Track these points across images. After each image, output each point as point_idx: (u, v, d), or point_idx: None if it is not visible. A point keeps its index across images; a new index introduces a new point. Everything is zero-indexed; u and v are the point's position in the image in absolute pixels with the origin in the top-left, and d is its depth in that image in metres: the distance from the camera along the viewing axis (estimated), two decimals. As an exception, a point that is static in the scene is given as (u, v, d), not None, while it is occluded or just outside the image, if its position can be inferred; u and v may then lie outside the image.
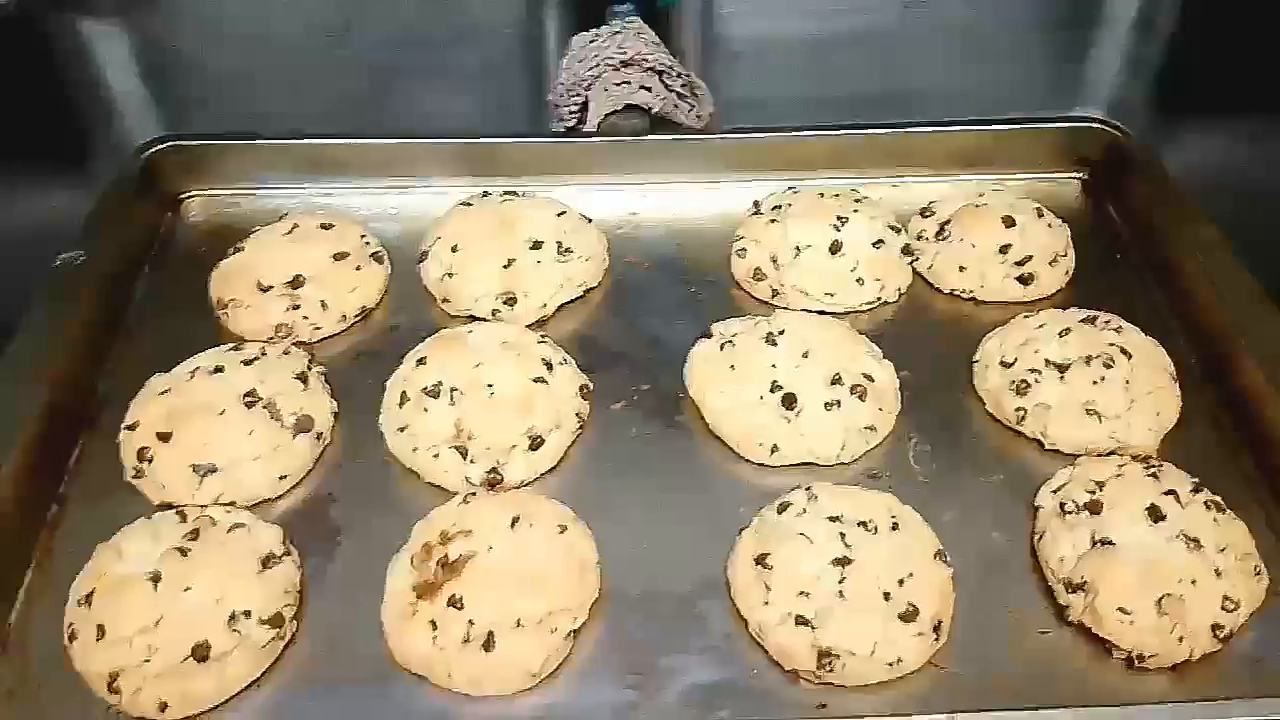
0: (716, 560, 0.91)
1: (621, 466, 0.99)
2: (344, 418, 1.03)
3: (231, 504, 0.94)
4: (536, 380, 1.00)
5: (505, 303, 1.11)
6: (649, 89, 1.46)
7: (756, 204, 1.21)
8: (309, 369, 1.03)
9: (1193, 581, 0.83)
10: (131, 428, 0.97)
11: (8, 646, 0.86)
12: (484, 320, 1.11)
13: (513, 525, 0.89)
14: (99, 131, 1.58)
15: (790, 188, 1.23)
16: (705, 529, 0.93)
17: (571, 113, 1.49)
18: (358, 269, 1.13)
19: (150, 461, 0.94)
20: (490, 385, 0.99)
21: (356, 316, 1.12)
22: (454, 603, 0.84)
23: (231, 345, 1.05)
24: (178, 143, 1.26)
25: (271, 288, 1.10)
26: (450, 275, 1.12)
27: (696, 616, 0.88)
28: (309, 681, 0.84)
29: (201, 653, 0.81)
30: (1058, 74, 1.67)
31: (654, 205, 1.27)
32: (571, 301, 1.15)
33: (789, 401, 0.97)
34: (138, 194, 1.21)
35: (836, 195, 1.19)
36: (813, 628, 0.82)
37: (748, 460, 0.98)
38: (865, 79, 1.68)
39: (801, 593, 0.84)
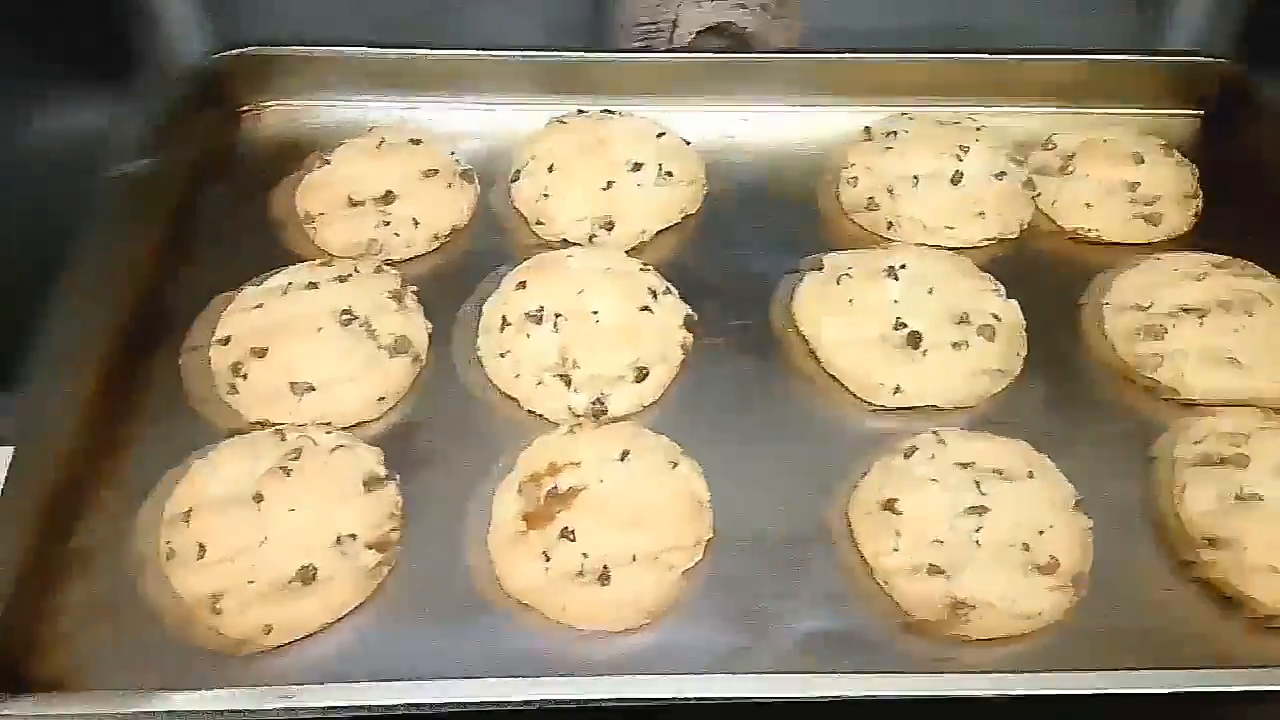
0: (828, 503, 0.87)
1: (724, 402, 0.95)
2: (434, 340, 0.99)
3: (327, 424, 0.90)
4: (642, 309, 0.95)
5: (602, 227, 1.05)
6: (744, 6, 1.38)
7: (868, 130, 1.14)
8: (403, 288, 0.99)
9: (1350, 541, 0.78)
10: (224, 342, 0.93)
11: (87, 564, 0.83)
12: (577, 244, 1.06)
13: (622, 459, 0.85)
14: (144, 43, 1.53)
15: (903, 114, 1.16)
16: (814, 471, 0.89)
17: (658, 29, 1.42)
18: (449, 187, 1.08)
19: (244, 377, 0.91)
20: (595, 312, 0.94)
21: (446, 236, 1.07)
22: (566, 534, 0.80)
23: (322, 261, 1.00)
24: (245, 50, 1.20)
25: (362, 203, 1.05)
26: (546, 196, 1.06)
27: (810, 561, 0.84)
28: (410, 607, 0.81)
29: (307, 575, 0.78)
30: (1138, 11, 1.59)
31: (751, 130, 1.20)
32: (668, 228, 1.09)
33: (914, 340, 0.92)
34: (203, 104, 1.16)
35: (956, 123, 1.12)
36: (947, 577, 0.78)
37: (861, 400, 0.93)
38: (938, 11, 1.60)
39: (935, 541, 0.79)
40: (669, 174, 1.08)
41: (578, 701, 0.69)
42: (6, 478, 0.80)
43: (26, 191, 1.32)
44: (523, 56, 1.20)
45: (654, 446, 0.87)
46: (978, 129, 1.12)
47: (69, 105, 1.43)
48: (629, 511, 0.81)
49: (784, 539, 0.85)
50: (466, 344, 0.98)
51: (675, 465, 0.85)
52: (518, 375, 0.93)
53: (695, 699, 0.70)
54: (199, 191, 1.11)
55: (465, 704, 0.69)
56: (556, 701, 0.69)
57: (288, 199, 1.09)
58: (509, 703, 0.69)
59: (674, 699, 0.70)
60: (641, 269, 0.99)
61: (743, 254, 1.07)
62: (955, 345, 0.92)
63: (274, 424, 0.89)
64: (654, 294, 0.97)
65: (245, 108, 1.21)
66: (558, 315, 0.94)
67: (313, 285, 0.96)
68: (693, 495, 0.84)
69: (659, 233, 1.08)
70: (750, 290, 1.03)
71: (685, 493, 0.84)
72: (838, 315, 0.95)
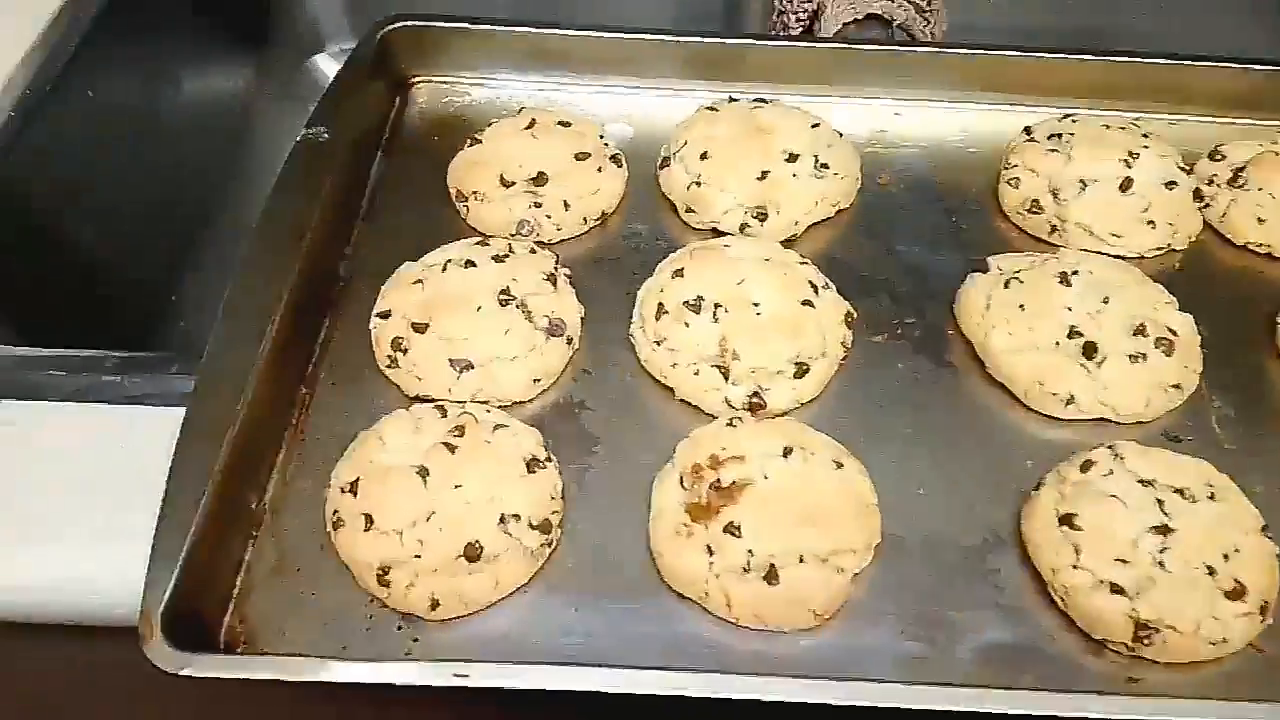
0: (999, 512, 0.85)
1: (887, 403, 0.92)
2: (586, 324, 0.98)
3: (485, 403, 0.90)
4: (804, 304, 0.93)
5: (755, 217, 1.03)
6: (890, -1, 1.35)
7: (1029, 130, 1.11)
8: (556, 270, 0.98)
9: None
10: (384, 316, 0.93)
11: (266, 523, 0.84)
12: (728, 234, 1.04)
13: (785, 455, 0.83)
14: (284, 13, 1.56)
15: (1067, 115, 1.12)
16: (985, 479, 0.87)
17: (799, 20, 1.39)
18: (599, 170, 1.07)
19: (405, 352, 0.91)
20: (756, 304, 0.92)
21: (595, 220, 1.06)
22: (731, 529, 0.79)
23: (478, 240, 1.00)
24: (410, 23, 1.20)
25: (514, 183, 1.05)
26: (699, 184, 1.05)
27: (982, 571, 0.81)
28: (572, 591, 0.81)
29: (473, 552, 0.78)
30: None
31: (905, 124, 1.17)
32: (820, 221, 1.07)
33: (1089, 350, 0.88)
34: (371, 75, 1.16)
35: (1122, 128, 1.08)
36: (1129, 597, 0.75)
37: (1032, 409, 0.90)
38: (1079, 14, 1.56)
39: (1118, 559, 0.76)
40: (824, 166, 1.06)
41: (777, 701, 0.68)
42: (181, 436, 0.82)
43: (174, 148, 1.36)
44: (674, 41, 1.18)
45: (818, 445, 0.85)
46: (1145, 135, 1.08)
47: (213, 70, 1.46)
48: (796, 510, 0.80)
49: (954, 547, 0.83)
50: (617, 329, 0.97)
51: (840, 466, 0.83)
52: (674, 364, 0.91)
53: (895, 707, 0.68)
54: (359, 164, 1.11)
55: (651, 694, 0.68)
56: (750, 700, 0.68)
57: (440, 176, 1.10)
58: (724, 698, 0.68)
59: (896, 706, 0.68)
60: (801, 262, 0.98)
61: (898, 250, 1.05)
62: (1132, 358, 0.88)
63: (434, 400, 0.89)
64: (815, 288, 0.95)
65: (400, 82, 1.21)
66: (717, 305, 0.92)
67: (471, 264, 0.96)
68: (860, 497, 0.82)
69: (811, 226, 1.06)
70: (908, 288, 1.01)
71: (852, 494, 0.82)
72: (1007, 320, 0.92)
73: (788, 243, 1.04)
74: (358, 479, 0.82)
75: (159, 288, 1.31)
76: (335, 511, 0.82)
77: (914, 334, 0.98)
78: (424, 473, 0.81)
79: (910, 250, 1.05)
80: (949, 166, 1.13)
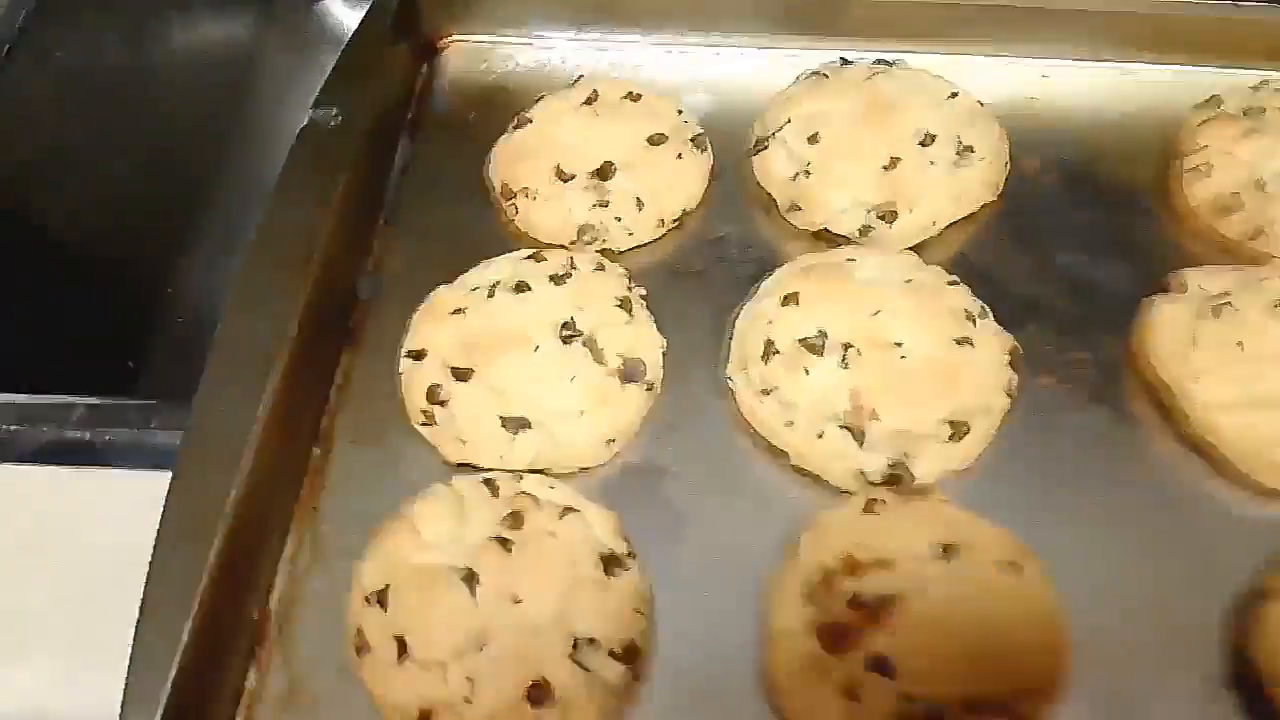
0: (1214, 624, 0.66)
1: (1059, 472, 0.72)
2: (667, 360, 0.78)
3: (543, 472, 0.71)
4: (959, 341, 0.72)
5: (881, 217, 0.82)
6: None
7: (1216, 100, 0.87)
8: (630, 292, 0.78)
9: None
10: (417, 356, 0.74)
11: (272, 637, 0.66)
12: (845, 239, 0.83)
13: (945, 555, 0.64)
14: None
15: (1263, 82, 0.88)
16: (1193, 575, 0.68)
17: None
18: (678, 157, 0.85)
19: (443, 405, 0.71)
20: (899, 344, 0.71)
21: (674, 221, 0.85)
22: (880, 666, 0.60)
23: (530, 252, 0.80)
24: (437, -29, 0.97)
25: (574, 177, 0.83)
26: (807, 174, 0.83)
27: (1203, 708, 0.62)
28: (666, 737, 0.62)
29: (539, 695, 0.60)
30: None
31: (1056, 91, 0.94)
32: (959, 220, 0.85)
33: (1339, 409, 0.67)
34: (394, 35, 0.93)
35: (1343, 98, 0.85)
36: None
37: (1251, 479, 0.70)
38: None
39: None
40: (968, 150, 0.84)
41: None
42: (161, 530, 0.63)
43: (162, 112, 1.16)
44: (762, -14, 0.95)
45: (986, 539, 0.65)
46: (1367, 109, 0.85)
47: (208, 17, 1.26)
48: (964, 637, 0.61)
49: (1160, 674, 0.64)
50: (705, 366, 0.77)
51: (1017, 568, 0.64)
52: (790, 422, 0.71)
53: None
54: (379, 152, 0.90)
55: None
56: None
57: (478, 164, 0.89)
58: None
59: None
60: (950, 283, 0.76)
61: (1065, 260, 0.83)
62: (1391, 419, 0.67)
63: (481, 469, 0.70)
64: (971, 319, 0.73)
65: (428, 44, 0.99)
66: (847, 346, 0.71)
67: (523, 287, 0.75)
68: (1045, 616, 0.62)
69: (947, 226, 0.84)
70: (1073, 311, 0.80)
71: (1035, 611, 0.62)
72: (1220, 363, 0.71)
73: (919, 248, 0.83)
74: (386, 586, 0.63)
75: (145, 284, 1.12)
76: (359, 629, 0.63)
77: (1085, 373, 0.77)
78: (472, 579, 0.63)
79: (1071, 258, 0.83)
80: (1112, 148, 0.90)
